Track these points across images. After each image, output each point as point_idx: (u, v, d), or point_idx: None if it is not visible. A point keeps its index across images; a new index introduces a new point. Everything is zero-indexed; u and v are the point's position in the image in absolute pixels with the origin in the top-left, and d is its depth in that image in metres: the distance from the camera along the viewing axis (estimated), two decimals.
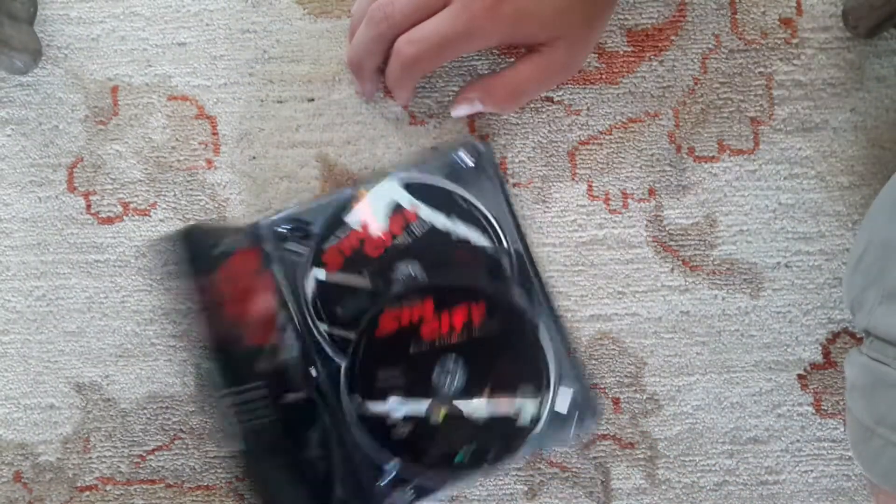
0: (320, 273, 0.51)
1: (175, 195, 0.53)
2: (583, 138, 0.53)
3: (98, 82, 0.53)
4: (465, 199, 0.52)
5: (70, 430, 0.53)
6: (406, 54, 0.47)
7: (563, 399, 0.51)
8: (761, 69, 0.53)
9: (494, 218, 0.52)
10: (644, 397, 0.53)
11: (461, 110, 0.51)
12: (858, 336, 0.53)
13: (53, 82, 0.53)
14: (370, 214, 0.51)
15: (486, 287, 0.51)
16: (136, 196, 0.53)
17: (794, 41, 0.53)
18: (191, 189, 0.53)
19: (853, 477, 0.52)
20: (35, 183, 0.53)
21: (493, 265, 0.51)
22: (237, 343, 0.48)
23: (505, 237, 0.51)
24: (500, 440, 0.50)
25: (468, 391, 0.50)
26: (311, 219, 0.51)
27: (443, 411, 0.50)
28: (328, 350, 0.51)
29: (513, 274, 0.51)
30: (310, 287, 0.51)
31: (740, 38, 0.53)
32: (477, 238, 0.51)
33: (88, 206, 0.53)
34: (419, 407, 0.50)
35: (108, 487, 0.53)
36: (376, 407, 0.50)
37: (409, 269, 0.51)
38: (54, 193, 0.53)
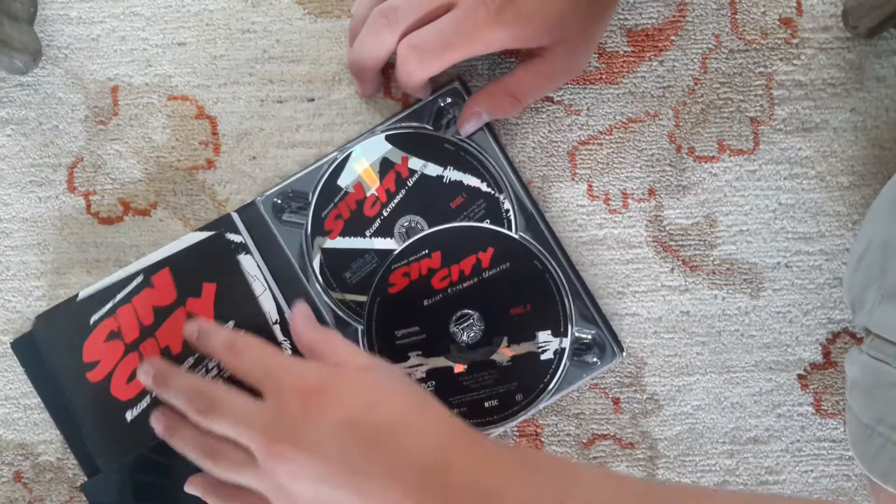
0: (324, 241, 0.51)
1: (175, 195, 0.53)
2: (583, 138, 0.53)
3: (98, 82, 0.53)
4: (453, 143, 0.51)
5: None
6: (410, 60, 0.47)
7: (584, 335, 0.51)
8: (761, 69, 0.53)
9: (487, 158, 0.51)
10: (644, 397, 0.53)
11: (470, 127, 0.51)
12: (858, 336, 0.53)
13: (53, 82, 0.53)
14: (361, 174, 0.52)
15: (488, 228, 0.51)
16: (136, 196, 0.53)
17: (794, 41, 0.53)
18: (191, 189, 0.53)
19: (853, 477, 0.52)
20: (35, 183, 0.53)
21: (491, 204, 0.51)
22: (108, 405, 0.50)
23: (501, 177, 0.51)
24: (525, 380, 0.50)
25: (487, 339, 0.50)
26: (305, 188, 0.52)
27: (464, 362, 0.50)
28: (344, 317, 0.51)
29: (515, 215, 0.51)
30: (316, 257, 0.51)
31: (740, 38, 0.53)
32: (470, 180, 0.52)
33: (88, 206, 0.53)
34: (440, 362, 0.50)
35: None
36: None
37: (409, 222, 0.51)
38: (54, 193, 0.53)
